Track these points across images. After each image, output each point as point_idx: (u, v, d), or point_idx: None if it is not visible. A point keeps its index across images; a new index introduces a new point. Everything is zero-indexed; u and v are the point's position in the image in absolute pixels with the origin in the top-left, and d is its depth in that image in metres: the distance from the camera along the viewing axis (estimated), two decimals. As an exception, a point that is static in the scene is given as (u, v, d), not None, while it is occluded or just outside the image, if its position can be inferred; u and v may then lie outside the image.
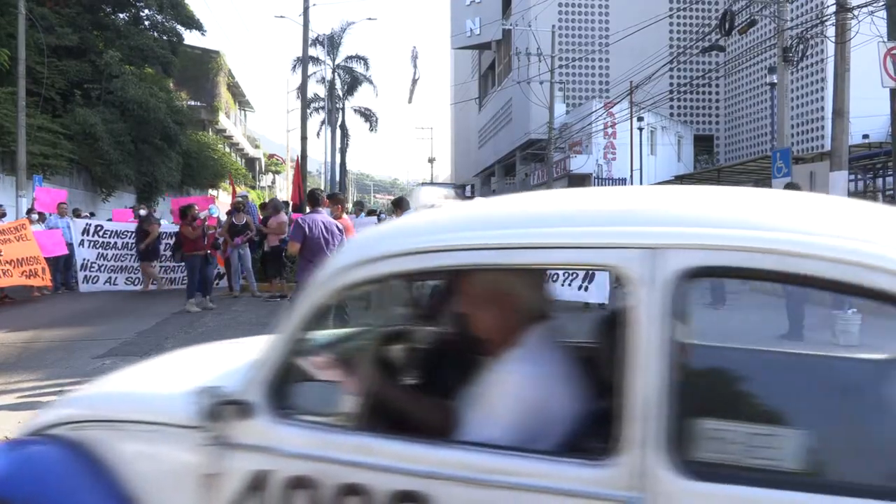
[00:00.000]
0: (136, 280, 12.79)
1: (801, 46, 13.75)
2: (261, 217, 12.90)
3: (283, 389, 1.66)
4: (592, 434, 1.39)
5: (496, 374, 1.61)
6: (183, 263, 11.32)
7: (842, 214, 1.46)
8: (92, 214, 17.07)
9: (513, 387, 1.56)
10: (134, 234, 12.71)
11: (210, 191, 34.74)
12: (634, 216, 1.44)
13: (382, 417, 1.76)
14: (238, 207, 12.11)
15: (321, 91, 40.93)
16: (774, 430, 1.33)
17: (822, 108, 25.41)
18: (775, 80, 16.48)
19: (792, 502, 1.20)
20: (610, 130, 31.18)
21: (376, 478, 1.45)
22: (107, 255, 12.68)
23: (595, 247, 1.41)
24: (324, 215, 6.45)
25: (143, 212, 12.47)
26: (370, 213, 15.14)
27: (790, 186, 8.75)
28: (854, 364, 1.99)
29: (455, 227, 1.59)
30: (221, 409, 1.62)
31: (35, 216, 12.72)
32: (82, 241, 12.57)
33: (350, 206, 20.24)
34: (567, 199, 1.68)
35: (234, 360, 2.02)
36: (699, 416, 1.34)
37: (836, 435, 1.52)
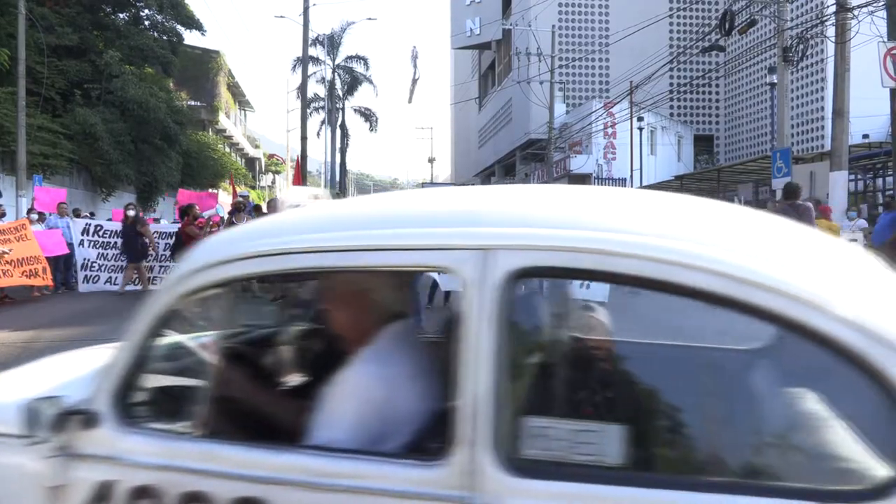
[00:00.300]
0: (136, 280, 12.80)
1: (801, 46, 13.76)
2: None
3: (130, 398, 1.63)
4: (436, 434, 1.39)
5: (343, 374, 1.59)
6: None
7: (669, 213, 1.48)
8: (92, 214, 17.07)
9: (355, 387, 1.54)
10: (121, 235, 12.56)
11: (210, 190, 34.77)
12: (467, 217, 1.45)
13: (240, 423, 1.74)
14: (239, 207, 12.12)
15: (321, 91, 40.96)
16: (598, 427, 1.35)
17: (822, 108, 25.42)
18: (775, 80, 16.49)
19: (615, 497, 1.21)
20: (610, 130, 31.20)
21: (219, 485, 1.43)
22: (107, 254, 12.68)
23: (429, 248, 1.41)
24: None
25: (131, 212, 12.35)
26: None
27: (790, 186, 8.72)
28: (674, 356, 2.01)
29: (299, 229, 1.59)
30: (65, 419, 1.58)
31: (35, 216, 12.72)
32: (82, 240, 12.57)
33: None
34: (410, 200, 1.69)
35: (89, 367, 1.97)
36: (528, 415, 1.35)
37: (659, 429, 1.53)
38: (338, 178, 42.45)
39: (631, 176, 28.99)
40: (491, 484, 1.26)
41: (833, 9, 12.64)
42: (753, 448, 1.48)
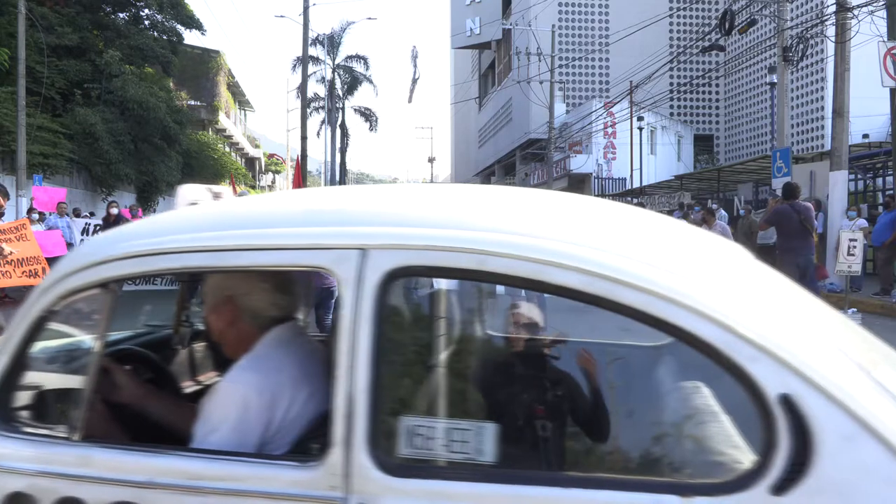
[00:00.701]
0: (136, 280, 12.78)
1: (801, 46, 13.76)
2: None
3: (7, 403, 1.59)
4: (320, 435, 1.39)
5: (220, 383, 1.57)
6: None
7: (545, 212, 1.50)
8: (91, 214, 17.07)
9: (232, 397, 1.51)
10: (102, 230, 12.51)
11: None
12: (344, 217, 1.44)
13: (128, 428, 1.71)
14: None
15: (321, 91, 40.95)
16: (473, 425, 1.35)
17: (822, 108, 25.41)
18: (775, 80, 16.48)
19: (488, 494, 1.23)
20: (610, 130, 31.19)
21: (94, 490, 1.41)
22: (107, 254, 12.68)
23: (305, 248, 1.40)
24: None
25: (114, 210, 12.25)
26: None
27: (789, 186, 8.73)
28: (560, 352, 2.02)
29: (175, 229, 1.56)
30: None
31: (35, 215, 12.71)
32: (82, 240, 12.57)
33: None
34: (291, 200, 1.67)
35: None
36: (405, 414, 1.35)
37: (533, 426, 1.54)
38: (338, 177, 42.44)
39: (631, 175, 28.98)
40: (366, 484, 1.25)
41: (833, 8, 12.64)
42: (627, 443, 1.50)
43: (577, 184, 33.11)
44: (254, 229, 1.45)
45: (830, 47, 16.03)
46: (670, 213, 19.16)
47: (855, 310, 7.77)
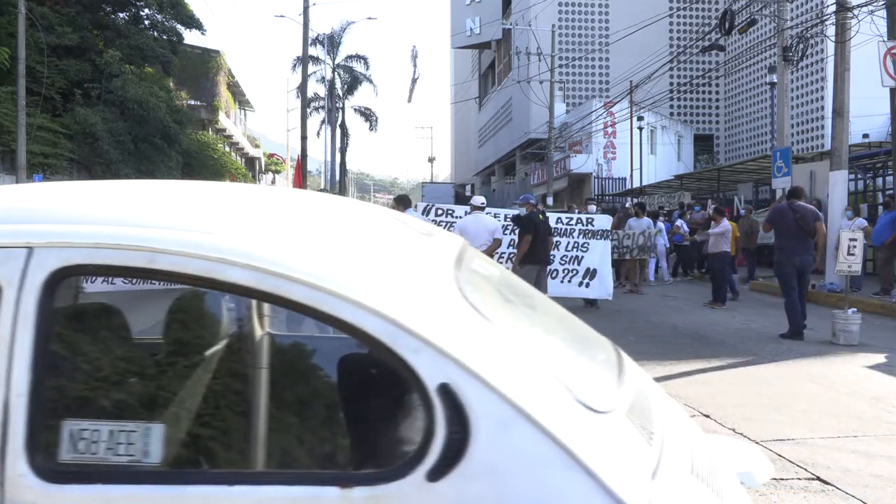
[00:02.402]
0: (136, 280, 12.80)
1: (801, 46, 13.75)
2: None
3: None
4: None
5: None
6: None
7: (217, 207, 1.48)
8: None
9: None
10: None
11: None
12: (12, 214, 1.38)
13: None
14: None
15: (321, 90, 40.95)
16: (139, 426, 1.32)
17: (822, 108, 25.41)
18: (775, 80, 16.48)
19: (151, 496, 1.19)
20: (610, 130, 31.19)
21: None
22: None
23: None
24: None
25: None
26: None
27: (794, 188, 8.80)
28: (215, 352, 1.92)
29: None
30: None
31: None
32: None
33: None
34: None
35: None
36: (68, 418, 1.30)
37: (202, 425, 1.50)
38: (338, 177, 42.44)
39: (631, 175, 28.97)
40: (22, 493, 1.20)
41: (833, 8, 12.63)
42: (292, 438, 1.49)
43: (577, 183, 33.10)
44: None
45: (830, 47, 16.02)
46: (670, 212, 19.16)
47: (855, 310, 7.77)
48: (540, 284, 8.47)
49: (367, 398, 1.50)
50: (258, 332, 1.97)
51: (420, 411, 1.19)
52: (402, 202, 9.09)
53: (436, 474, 1.15)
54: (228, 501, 1.19)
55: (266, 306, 1.91)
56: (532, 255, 8.64)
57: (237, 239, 1.29)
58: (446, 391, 1.17)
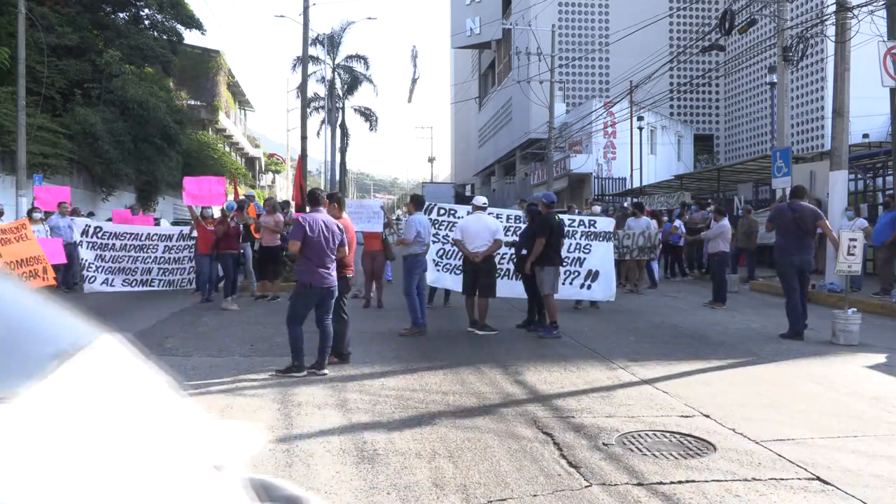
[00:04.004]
0: (134, 282, 12.77)
1: (801, 46, 13.75)
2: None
3: None
4: None
5: None
6: (192, 265, 12.16)
7: None
8: (91, 214, 17.06)
9: None
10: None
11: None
12: None
13: None
14: (241, 206, 12.14)
15: (321, 90, 40.93)
16: None
17: (822, 108, 25.41)
18: (775, 80, 16.48)
19: None
20: (610, 130, 31.18)
21: None
22: (105, 256, 12.66)
23: None
24: (324, 214, 6.45)
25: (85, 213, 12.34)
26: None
27: (796, 188, 8.80)
28: None
29: None
30: None
31: (39, 214, 12.65)
32: (81, 241, 12.55)
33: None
34: None
35: None
36: None
37: None
38: (338, 177, 42.43)
39: (631, 175, 28.97)
40: None
41: (833, 8, 12.63)
42: None
43: (578, 183, 33.10)
44: None
45: (830, 47, 16.03)
46: (670, 212, 19.16)
47: (855, 310, 7.77)
48: (555, 286, 8.51)
49: None
50: None
51: None
52: (416, 202, 9.12)
53: None
54: None
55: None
56: (549, 257, 8.60)
57: None
58: None
